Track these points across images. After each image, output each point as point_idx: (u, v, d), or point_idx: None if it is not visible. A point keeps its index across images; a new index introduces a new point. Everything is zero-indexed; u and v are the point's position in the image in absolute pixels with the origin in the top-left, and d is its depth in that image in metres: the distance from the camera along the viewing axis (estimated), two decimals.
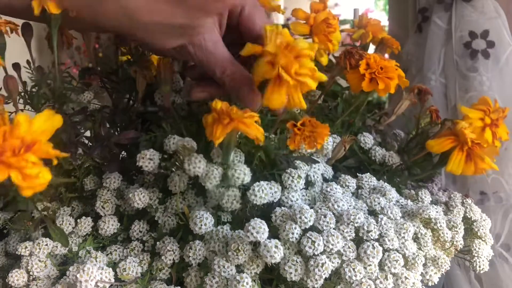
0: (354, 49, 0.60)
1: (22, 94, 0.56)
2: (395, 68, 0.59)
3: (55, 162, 0.39)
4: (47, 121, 0.40)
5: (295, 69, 0.43)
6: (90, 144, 0.56)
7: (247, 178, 0.49)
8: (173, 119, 0.58)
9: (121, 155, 0.59)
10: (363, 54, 0.59)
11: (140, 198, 0.53)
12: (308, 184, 0.57)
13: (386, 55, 0.82)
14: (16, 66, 0.58)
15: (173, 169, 0.53)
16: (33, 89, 0.57)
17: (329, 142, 0.61)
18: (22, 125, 0.38)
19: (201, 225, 0.49)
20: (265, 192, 0.49)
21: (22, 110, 0.56)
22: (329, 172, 0.60)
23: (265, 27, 0.45)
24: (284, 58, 0.43)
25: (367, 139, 0.68)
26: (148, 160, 0.52)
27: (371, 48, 0.84)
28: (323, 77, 0.46)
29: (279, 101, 0.44)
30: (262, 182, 0.49)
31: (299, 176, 0.53)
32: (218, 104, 0.44)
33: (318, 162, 0.58)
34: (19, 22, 0.58)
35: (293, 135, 0.50)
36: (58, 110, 0.58)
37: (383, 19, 0.88)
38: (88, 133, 0.58)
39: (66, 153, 0.39)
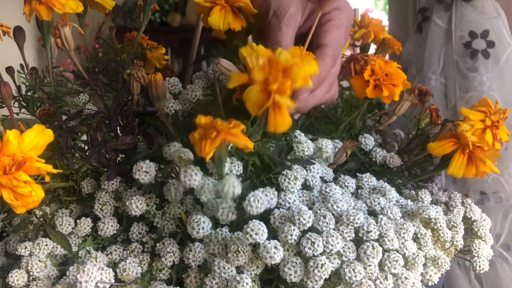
0: (359, 54, 0.60)
1: (17, 98, 0.56)
2: (400, 75, 0.58)
3: (47, 179, 0.38)
4: (38, 137, 0.39)
5: (288, 88, 0.42)
6: (87, 147, 0.55)
7: (238, 190, 0.48)
8: (172, 127, 0.57)
9: (119, 156, 0.59)
10: (368, 60, 0.59)
11: (137, 205, 0.53)
12: (307, 188, 0.56)
13: (387, 56, 0.82)
14: (10, 70, 0.57)
15: (171, 176, 0.53)
16: (28, 93, 0.56)
17: (330, 146, 0.60)
18: (12, 143, 0.37)
19: (199, 229, 0.49)
20: (260, 201, 0.48)
21: (17, 114, 0.55)
22: (330, 175, 0.59)
23: (241, 50, 0.44)
24: (275, 82, 0.42)
25: (368, 141, 0.68)
26: (144, 173, 0.51)
27: (372, 48, 0.84)
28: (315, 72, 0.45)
29: (286, 124, 0.43)
30: (256, 192, 0.48)
31: (295, 177, 0.53)
32: (202, 120, 0.43)
33: (314, 163, 0.58)
34: (12, 24, 0.57)
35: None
36: (53, 113, 0.57)
37: (383, 19, 0.88)
38: (84, 136, 0.57)
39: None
